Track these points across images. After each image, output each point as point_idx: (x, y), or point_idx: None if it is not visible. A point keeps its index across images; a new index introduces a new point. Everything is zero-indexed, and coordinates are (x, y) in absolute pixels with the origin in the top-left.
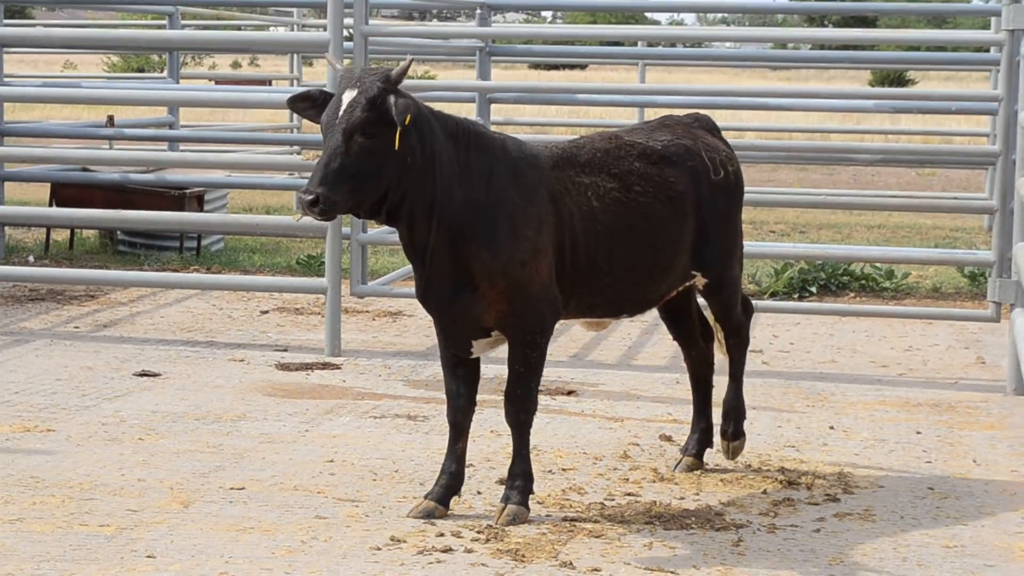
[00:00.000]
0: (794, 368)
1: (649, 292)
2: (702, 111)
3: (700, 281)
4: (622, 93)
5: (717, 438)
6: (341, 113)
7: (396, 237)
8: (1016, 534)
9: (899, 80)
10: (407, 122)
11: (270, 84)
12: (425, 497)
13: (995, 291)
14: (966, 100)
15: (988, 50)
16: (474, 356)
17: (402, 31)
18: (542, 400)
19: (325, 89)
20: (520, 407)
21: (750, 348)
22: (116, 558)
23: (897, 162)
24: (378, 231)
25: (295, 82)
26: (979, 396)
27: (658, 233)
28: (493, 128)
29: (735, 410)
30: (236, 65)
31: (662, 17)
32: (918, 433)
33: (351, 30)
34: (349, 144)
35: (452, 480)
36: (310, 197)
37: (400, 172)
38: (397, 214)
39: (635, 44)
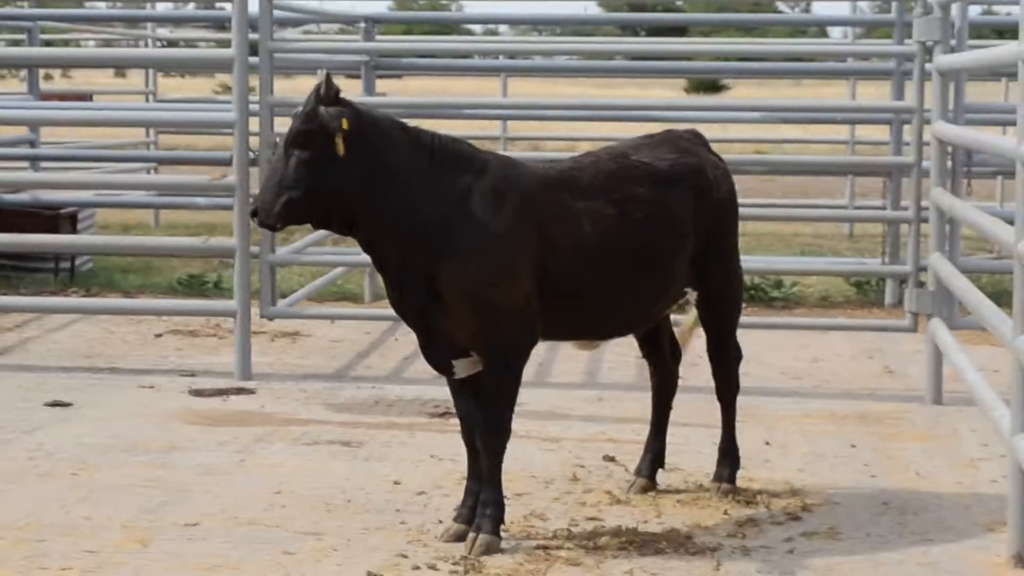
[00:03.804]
0: (709, 382)
1: (641, 316)
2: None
3: (692, 294)
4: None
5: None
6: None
7: (306, 257)
8: (981, 548)
9: (714, 87)
10: (344, 126)
11: (91, 99)
12: (455, 520)
13: (912, 302)
14: (871, 111)
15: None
16: (457, 376)
17: (303, 47)
18: None
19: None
20: (492, 432)
21: None
22: None
23: (805, 172)
24: (286, 250)
25: (150, 97)
26: (900, 407)
27: (655, 259)
28: None
29: (731, 456)
30: (48, 78)
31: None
32: (853, 447)
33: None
34: (286, 158)
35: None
36: (252, 208)
37: (344, 184)
38: (352, 227)
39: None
